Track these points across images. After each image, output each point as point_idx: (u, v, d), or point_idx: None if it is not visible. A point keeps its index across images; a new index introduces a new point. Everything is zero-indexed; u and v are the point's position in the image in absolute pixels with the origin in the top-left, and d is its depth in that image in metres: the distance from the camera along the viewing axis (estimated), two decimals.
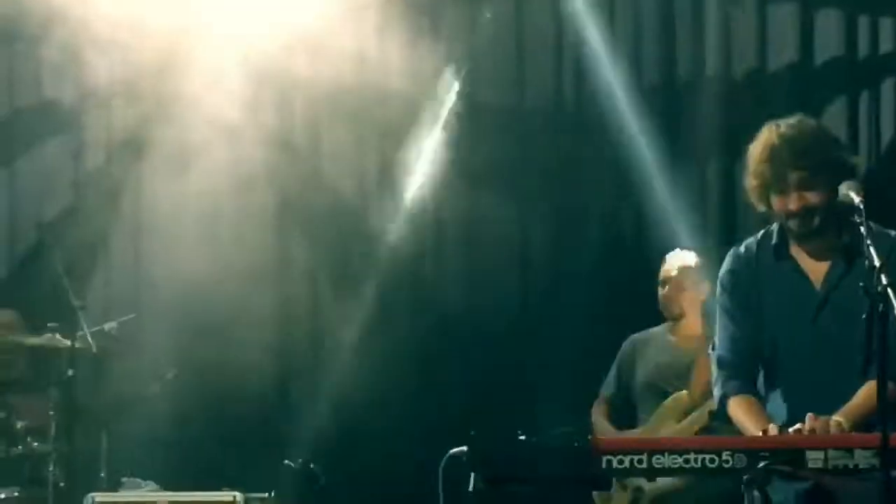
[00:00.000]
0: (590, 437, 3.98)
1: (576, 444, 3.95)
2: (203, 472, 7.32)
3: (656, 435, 6.42)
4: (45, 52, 8.08)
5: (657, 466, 3.93)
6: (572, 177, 8.11)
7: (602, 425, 6.93)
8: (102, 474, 7.07)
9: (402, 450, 7.68)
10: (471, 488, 3.92)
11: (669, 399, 6.68)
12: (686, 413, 6.57)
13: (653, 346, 6.97)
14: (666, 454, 3.91)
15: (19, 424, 7.09)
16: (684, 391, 6.62)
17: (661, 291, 6.90)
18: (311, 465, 6.68)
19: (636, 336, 7.07)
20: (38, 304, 7.43)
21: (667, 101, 8.15)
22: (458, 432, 4.00)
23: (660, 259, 6.97)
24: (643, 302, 7.08)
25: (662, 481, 6.23)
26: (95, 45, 8.07)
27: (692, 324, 6.83)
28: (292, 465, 6.57)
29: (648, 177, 7.91)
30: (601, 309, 7.83)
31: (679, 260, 6.93)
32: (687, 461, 3.91)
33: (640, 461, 3.91)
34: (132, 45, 8.00)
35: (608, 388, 7.07)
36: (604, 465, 3.93)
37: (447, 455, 3.97)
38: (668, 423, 6.62)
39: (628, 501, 6.55)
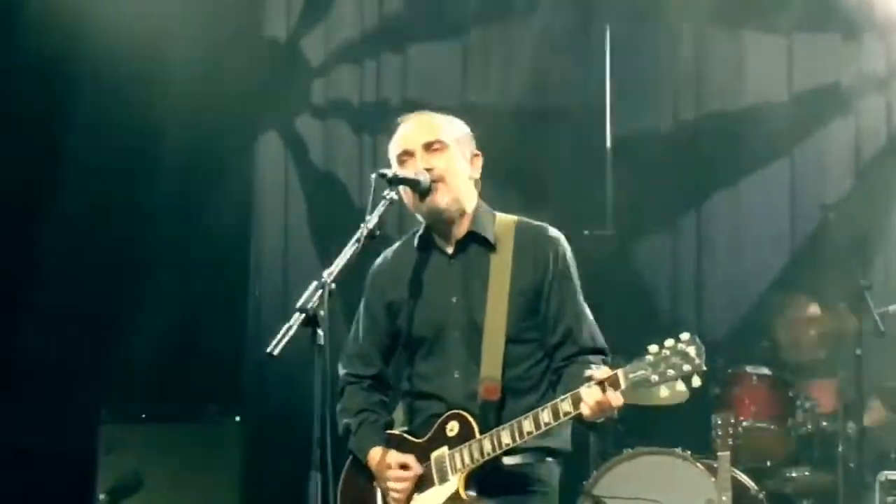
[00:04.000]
0: None
1: None
2: None
3: None
4: (822, 36, 8.16)
5: None
6: None
7: None
8: (893, 455, 7.05)
9: None
10: None
11: None
12: None
13: None
14: None
15: (808, 405, 7.21)
16: None
17: None
18: None
19: None
20: (824, 284, 7.48)
21: None
22: None
23: None
24: None
25: None
26: (874, 28, 8.06)
27: None
28: None
29: None
30: None
31: None
32: None
33: None
34: None
35: None
36: None
37: None
38: None
39: None
